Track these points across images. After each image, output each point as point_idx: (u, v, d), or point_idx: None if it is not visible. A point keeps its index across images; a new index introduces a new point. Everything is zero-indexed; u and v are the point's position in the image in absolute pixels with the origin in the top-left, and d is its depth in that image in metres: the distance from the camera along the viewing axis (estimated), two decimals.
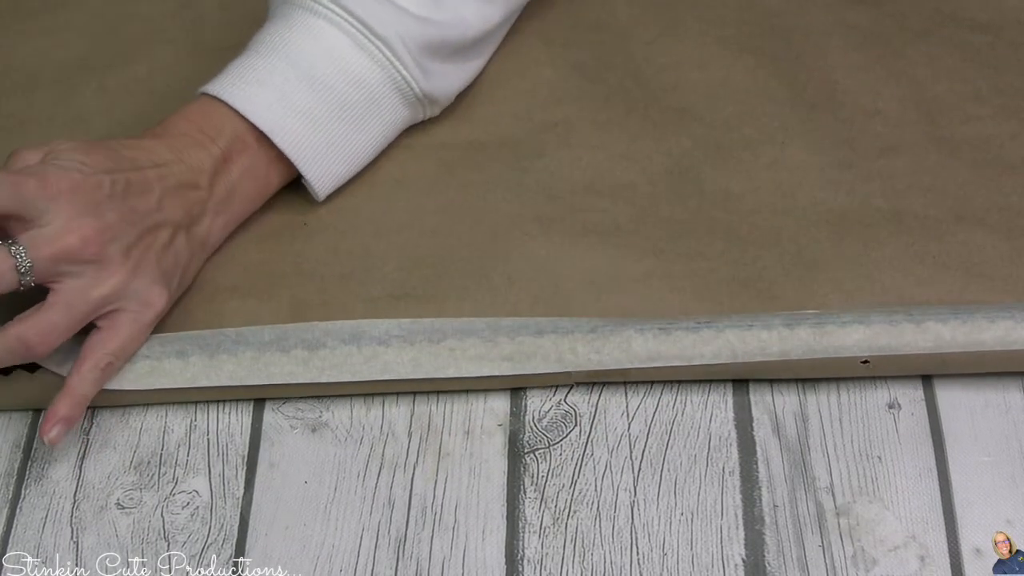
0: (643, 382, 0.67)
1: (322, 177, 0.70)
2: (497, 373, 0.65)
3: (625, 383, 0.67)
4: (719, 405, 0.66)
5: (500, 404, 0.67)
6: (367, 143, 0.71)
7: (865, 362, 0.65)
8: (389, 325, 0.66)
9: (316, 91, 0.68)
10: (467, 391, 0.67)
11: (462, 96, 0.75)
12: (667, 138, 0.74)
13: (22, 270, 0.61)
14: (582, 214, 0.71)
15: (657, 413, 0.66)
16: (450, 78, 0.73)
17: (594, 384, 0.67)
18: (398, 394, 0.67)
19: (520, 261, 0.69)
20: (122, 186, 0.63)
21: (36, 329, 0.61)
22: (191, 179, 0.66)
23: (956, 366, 0.65)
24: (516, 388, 0.67)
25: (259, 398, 0.67)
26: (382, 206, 0.72)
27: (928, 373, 0.66)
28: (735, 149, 0.73)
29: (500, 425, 0.66)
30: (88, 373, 0.63)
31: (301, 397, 0.67)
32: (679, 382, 0.67)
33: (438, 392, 0.67)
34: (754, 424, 0.66)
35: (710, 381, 0.67)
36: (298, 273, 0.69)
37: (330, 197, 0.72)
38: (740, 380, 0.67)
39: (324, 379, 0.65)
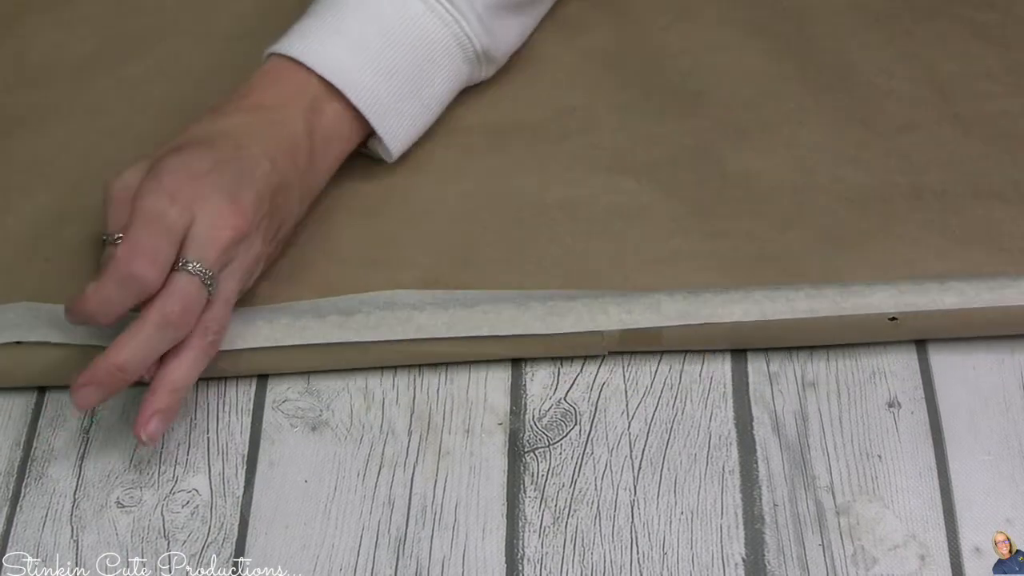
0: (643, 382, 0.67)
1: (394, 135, 0.70)
2: (531, 332, 0.66)
3: (636, 359, 0.67)
4: (719, 404, 0.66)
5: (500, 402, 0.67)
6: (433, 100, 0.71)
7: (893, 319, 0.65)
8: (423, 295, 0.67)
9: (387, 45, 0.68)
10: (471, 364, 0.67)
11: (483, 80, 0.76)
12: (686, 120, 0.75)
13: (208, 283, 0.61)
14: (606, 196, 0.71)
15: (657, 412, 0.66)
16: (508, 34, 0.74)
17: (594, 382, 0.67)
18: (398, 393, 0.67)
19: (547, 245, 0.70)
20: (229, 161, 0.63)
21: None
22: (289, 156, 0.67)
23: (981, 326, 0.66)
24: (553, 357, 0.67)
25: (264, 373, 0.68)
26: (405, 192, 0.72)
27: (958, 336, 0.67)
28: (754, 129, 0.74)
29: (500, 424, 0.66)
30: (194, 357, 0.63)
31: (309, 372, 0.67)
32: (679, 382, 0.67)
33: (440, 388, 0.67)
34: (754, 423, 0.66)
35: (710, 382, 0.67)
36: (325, 259, 0.70)
37: (352, 183, 0.72)
38: (743, 382, 0.67)
39: (359, 339, 0.66)
